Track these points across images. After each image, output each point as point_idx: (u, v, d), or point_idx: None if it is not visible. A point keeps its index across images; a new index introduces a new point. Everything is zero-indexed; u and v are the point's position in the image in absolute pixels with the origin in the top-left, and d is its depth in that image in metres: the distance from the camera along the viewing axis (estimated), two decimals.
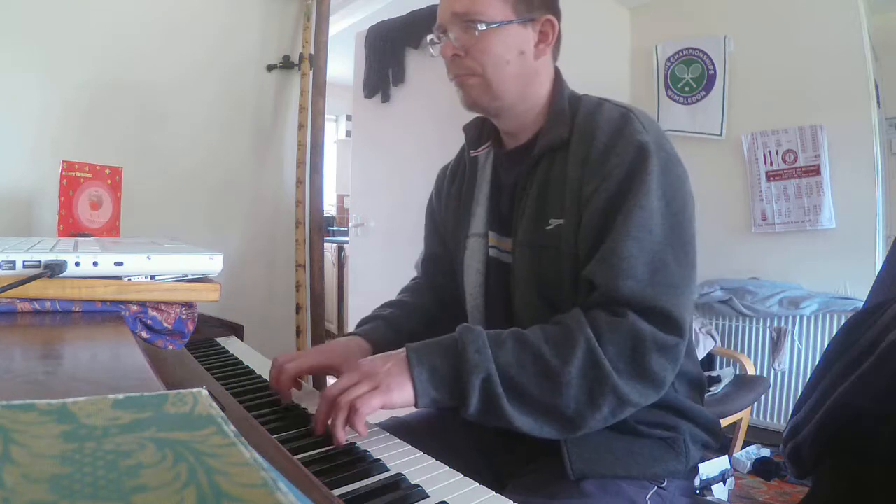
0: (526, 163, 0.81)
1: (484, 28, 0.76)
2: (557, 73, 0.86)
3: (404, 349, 0.68)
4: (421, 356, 0.66)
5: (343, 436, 0.62)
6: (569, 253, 0.75)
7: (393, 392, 0.64)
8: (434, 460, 0.59)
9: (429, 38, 0.84)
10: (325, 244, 3.32)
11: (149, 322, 0.60)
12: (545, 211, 0.78)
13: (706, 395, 2.04)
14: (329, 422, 0.63)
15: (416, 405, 0.65)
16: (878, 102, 2.48)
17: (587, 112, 0.78)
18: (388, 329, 0.90)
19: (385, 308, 0.96)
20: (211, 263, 0.65)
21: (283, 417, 0.71)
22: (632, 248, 0.67)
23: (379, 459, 0.58)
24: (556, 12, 0.82)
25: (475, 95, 0.80)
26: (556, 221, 0.76)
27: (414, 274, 1.10)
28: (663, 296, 0.67)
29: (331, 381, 0.79)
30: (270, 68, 2.16)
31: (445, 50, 0.79)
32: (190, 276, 0.64)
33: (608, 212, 0.71)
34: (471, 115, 0.92)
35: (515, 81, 0.80)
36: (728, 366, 2.47)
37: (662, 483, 0.75)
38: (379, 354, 0.70)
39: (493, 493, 0.53)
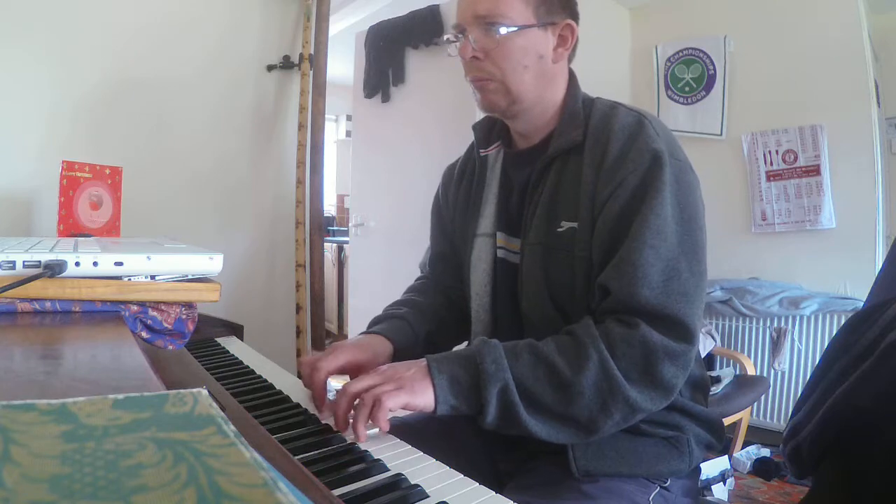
0: (538, 164, 0.81)
1: (505, 31, 0.76)
2: (572, 75, 0.86)
3: (424, 359, 0.69)
4: (441, 366, 0.68)
5: (365, 432, 0.63)
6: (581, 257, 0.75)
7: (417, 393, 0.65)
8: (434, 460, 0.59)
9: (445, 36, 0.84)
10: (325, 244, 3.32)
11: (149, 322, 0.60)
12: (556, 213, 0.78)
13: None
14: (351, 418, 0.65)
15: (435, 412, 0.66)
16: (878, 102, 2.48)
17: (601, 116, 0.79)
18: (407, 328, 0.89)
19: (400, 307, 0.95)
20: (211, 263, 0.65)
21: (283, 417, 0.71)
22: (648, 255, 0.68)
23: (379, 459, 0.58)
24: (576, 17, 0.82)
25: (493, 99, 0.81)
26: (568, 224, 0.77)
27: (415, 274, 1.10)
28: (676, 304, 0.68)
29: (336, 381, 0.79)
30: (270, 68, 2.16)
31: (464, 51, 0.79)
32: (190, 276, 0.64)
33: (622, 218, 0.71)
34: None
35: (533, 85, 0.80)
36: (728, 366, 2.47)
37: (665, 482, 0.75)
38: (399, 362, 0.71)
39: (493, 492, 0.53)
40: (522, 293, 0.81)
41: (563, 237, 0.77)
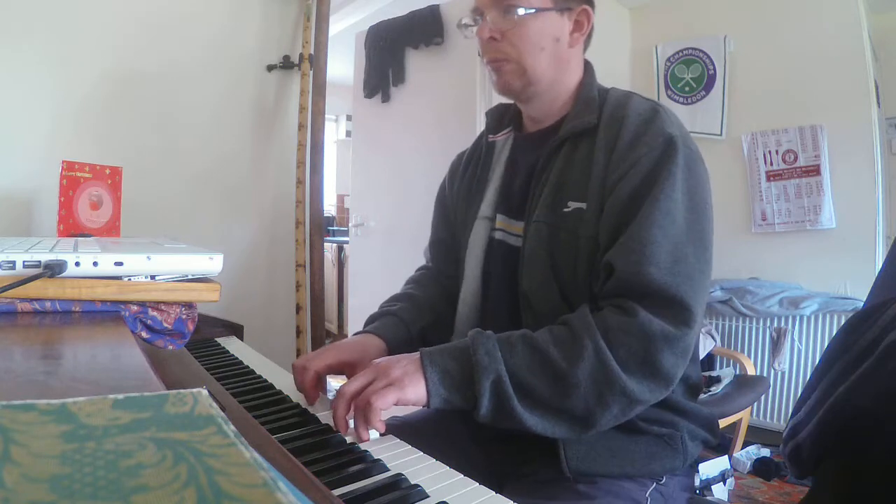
0: (548, 145, 0.82)
1: (522, 13, 0.78)
2: (588, 64, 0.87)
3: (418, 352, 0.69)
4: (434, 359, 0.67)
5: (366, 434, 0.63)
6: (587, 237, 0.75)
7: (407, 388, 0.65)
8: (434, 460, 0.59)
9: (463, 20, 0.85)
10: (325, 244, 3.32)
11: (149, 322, 0.60)
12: (564, 194, 0.78)
13: (706, 395, 2.03)
14: (351, 422, 0.65)
15: (427, 405, 0.66)
16: (878, 102, 2.48)
17: (616, 102, 0.80)
18: (400, 325, 0.89)
19: (394, 302, 0.95)
20: (211, 263, 0.65)
21: (283, 417, 0.71)
22: (656, 234, 0.68)
23: (379, 459, 0.58)
24: (592, 3, 0.84)
25: (509, 80, 0.82)
26: (575, 205, 0.77)
27: (415, 271, 1.10)
28: (682, 286, 0.67)
29: (335, 381, 0.79)
30: (270, 68, 2.16)
31: (482, 32, 0.80)
32: (190, 276, 0.64)
33: (632, 199, 0.71)
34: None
35: (549, 67, 0.81)
36: (728, 366, 2.47)
37: (661, 480, 0.75)
38: (393, 356, 0.71)
39: (493, 492, 0.53)
40: (524, 274, 0.80)
41: (569, 217, 0.77)
